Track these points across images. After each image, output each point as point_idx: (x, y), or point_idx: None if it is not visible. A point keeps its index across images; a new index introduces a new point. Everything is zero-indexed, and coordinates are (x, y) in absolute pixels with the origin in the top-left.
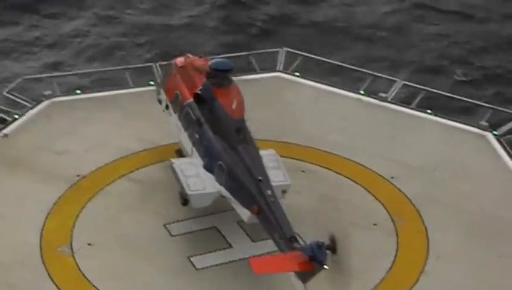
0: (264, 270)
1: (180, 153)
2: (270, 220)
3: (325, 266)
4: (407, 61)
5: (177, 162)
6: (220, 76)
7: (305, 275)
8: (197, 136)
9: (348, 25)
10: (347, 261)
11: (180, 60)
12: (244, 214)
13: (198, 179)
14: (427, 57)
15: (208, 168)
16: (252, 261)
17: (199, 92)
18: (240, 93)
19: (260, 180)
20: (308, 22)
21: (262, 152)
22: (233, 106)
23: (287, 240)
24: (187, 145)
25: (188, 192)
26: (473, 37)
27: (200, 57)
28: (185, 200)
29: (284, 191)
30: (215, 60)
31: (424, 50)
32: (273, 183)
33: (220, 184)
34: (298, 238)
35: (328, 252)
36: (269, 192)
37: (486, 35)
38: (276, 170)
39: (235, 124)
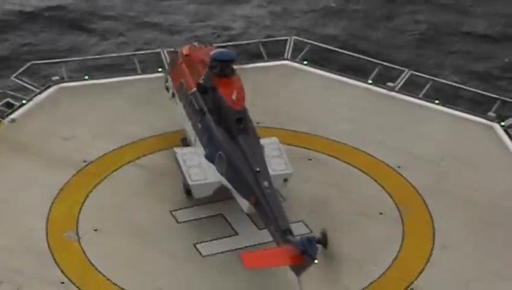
0: (255, 265)
1: (185, 142)
2: (266, 211)
3: (316, 260)
4: None
5: (179, 152)
6: (221, 66)
7: (297, 269)
8: (200, 126)
9: None
10: (337, 255)
11: (186, 49)
12: (244, 204)
13: (200, 169)
14: None
15: (209, 158)
16: (242, 255)
17: (201, 82)
18: (241, 84)
19: (258, 171)
20: None
21: (264, 140)
22: (234, 97)
23: (282, 233)
24: (191, 134)
25: (190, 182)
26: None
27: (206, 46)
28: (188, 190)
29: (285, 180)
30: (217, 50)
31: None
32: (274, 173)
33: (221, 174)
34: (303, 225)
35: (318, 246)
36: (266, 183)
37: None
38: (278, 159)
39: (236, 115)
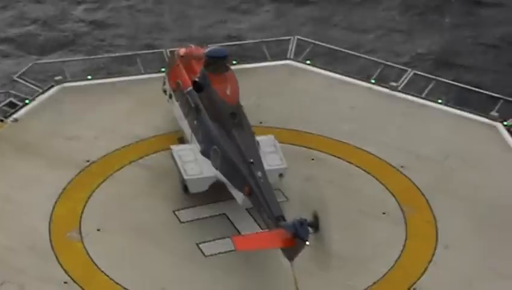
0: (246, 247)
1: (182, 141)
2: (260, 200)
3: (307, 242)
4: None
5: (175, 149)
6: (215, 63)
7: (289, 252)
8: (195, 123)
9: None
10: (328, 238)
11: (182, 50)
12: (239, 197)
13: (195, 164)
14: None
15: (205, 153)
16: (234, 238)
17: (196, 79)
18: (236, 80)
19: (251, 162)
20: None
21: (261, 137)
22: (228, 92)
23: (275, 219)
24: (187, 132)
25: (185, 177)
26: None
27: (202, 47)
28: (184, 186)
29: (280, 175)
30: (210, 48)
31: None
32: (269, 167)
33: (216, 168)
34: None
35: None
36: (260, 173)
37: None
38: (273, 154)
39: (230, 109)
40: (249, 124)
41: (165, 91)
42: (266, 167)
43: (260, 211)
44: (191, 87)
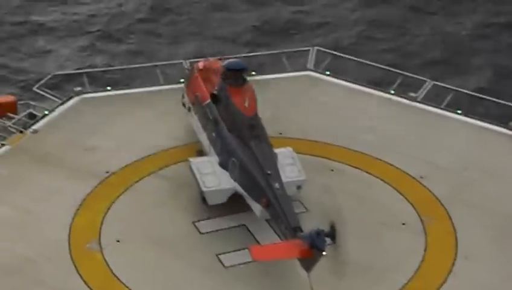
0: (264, 257)
1: (201, 154)
2: (277, 211)
3: (324, 253)
4: None
5: (194, 161)
6: (233, 76)
7: (306, 263)
8: (214, 135)
9: None
10: (345, 248)
11: (200, 63)
12: (257, 209)
13: (213, 176)
14: None
15: (223, 165)
16: (251, 248)
17: (215, 92)
18: (253, 92)
19: (269, 174)
20: None
21: (279, 150)
22: (246, 104)
23: (292, 230)
24: (205, 144)
25: (203, 189)
26: None
27: (220, 59)
28: (203, 198)
29: (299, 187)
30: (228, 61)
31: None
32: (288, 179)
33: (234, 180)
34: None
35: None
36: (277, 185)
37: None
38: (291, 166)
39: (248, 121)
40: (267, 135)
41: (184, 104)
42: (284, 179)
43: (278, 223)
44: (209, 100)
